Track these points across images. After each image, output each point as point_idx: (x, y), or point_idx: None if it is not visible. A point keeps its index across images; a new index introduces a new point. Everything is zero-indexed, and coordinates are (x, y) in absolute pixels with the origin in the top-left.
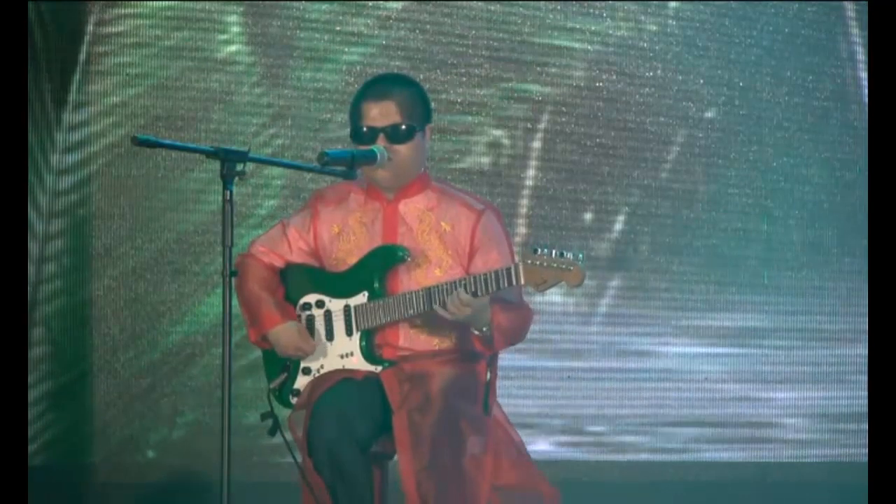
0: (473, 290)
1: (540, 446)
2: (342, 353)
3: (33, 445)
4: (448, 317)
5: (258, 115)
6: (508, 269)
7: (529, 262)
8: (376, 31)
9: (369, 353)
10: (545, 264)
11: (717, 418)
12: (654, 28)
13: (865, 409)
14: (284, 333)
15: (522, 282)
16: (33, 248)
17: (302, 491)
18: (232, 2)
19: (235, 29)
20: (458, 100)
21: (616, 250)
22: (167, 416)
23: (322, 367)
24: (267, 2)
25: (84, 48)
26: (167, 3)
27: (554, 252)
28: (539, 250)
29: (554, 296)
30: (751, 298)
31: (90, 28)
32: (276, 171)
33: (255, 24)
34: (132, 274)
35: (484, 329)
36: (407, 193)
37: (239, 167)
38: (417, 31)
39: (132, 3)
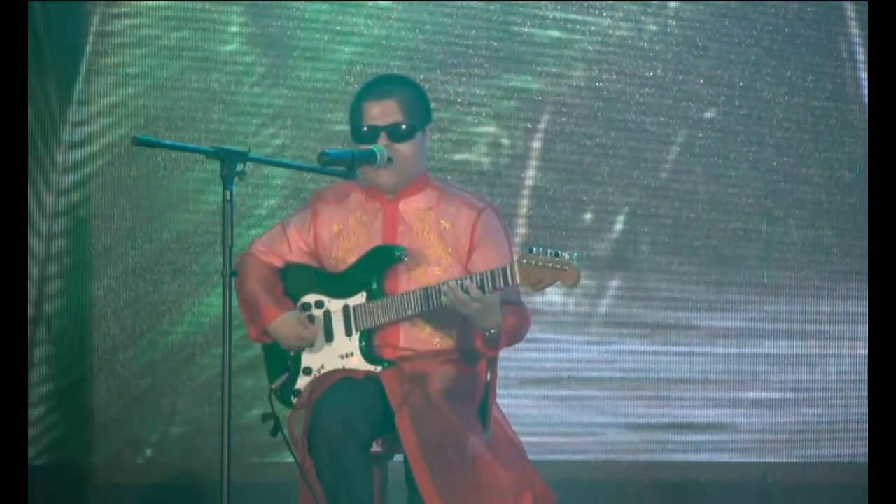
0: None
1: (539, 446)
2: (342, 354)
3: (34, 445)
4: (462, 309)
5: (258, 115)
6: (504, 269)
7: (525, 261)
8: (376, 31)
9: (369, 354)
10: (540, 264)
11: (717, 418)
12: (654, 28)
13: (865, 410)
14: (284, 324)
15: (518, 281)
16: (33, 248)
17: (300, 491)
18: (232, 2)
19: (235, 29)
20: (458, 100)
21: (616, 250)
22: (167, 415)
23: (323, 367)
24: (267, 2)
25: (84, 48)
26: (167, 3)
27: (549, 252)
28: (535, 250)
29: (554, 296)
30: (751, 298)
31: (91, 28)
32: (276, 170)
33: (255, 24)
34: (132, 274)
35: (493, 331)
36: (407, 193)
37: (239, 167)
38: (417, 31)
39: (132, 3)
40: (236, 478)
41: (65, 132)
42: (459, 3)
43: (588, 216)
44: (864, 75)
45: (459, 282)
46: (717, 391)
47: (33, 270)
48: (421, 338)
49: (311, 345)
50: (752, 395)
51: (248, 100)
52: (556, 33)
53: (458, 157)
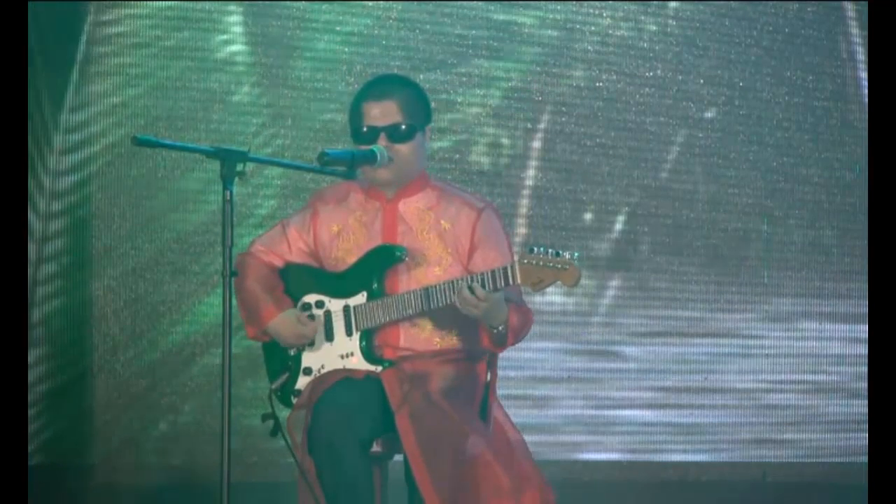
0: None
1: (539, 446)
2: (342, 354)
3: (33, 445)
4: (470, 312)
5: (258, 115)
6: (505, 269)
7: (525, 261)
8: (376, 31)
9: (369, 353)
10: (541, 264)
11: (717, 418)
12: (654, 28)
13: (865, 410)
14: (283, 323)
15: (519, 281)
16: (33, 248)
17: (300, 491)
18: (232, 2)
19: (235, 29)
20: (458, 100)
21: (616, 250)
22: (167, 416)
23: (323, 367)
24: (267, 2)
25: (84, 48)
26: (167, 3)
27: (550, 251)
28: (535, 250)
29: (554, 295)
30: (751, 298)
31: (90, 28)
32: (276, 171)
33: (255, 24)
34: (132, 274)
35: (500, 328)
36: (406, 193)
37: (239, 167)
38: (417, 32)
39: (132, 2)
40: (236, 478)
41: (64, 132)
42: (459, 3)
43: (588, 216)
44: (864, 75)
45: (467, 283)
46: (717, 391)
47: (33, 270)
48: (421, 338)
49: (311, 344)
50: (752, 395)
51: (248, 100)
52: (555, 33)
53: (458, 157)
